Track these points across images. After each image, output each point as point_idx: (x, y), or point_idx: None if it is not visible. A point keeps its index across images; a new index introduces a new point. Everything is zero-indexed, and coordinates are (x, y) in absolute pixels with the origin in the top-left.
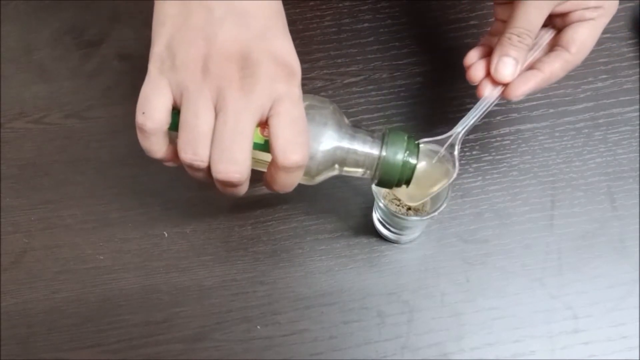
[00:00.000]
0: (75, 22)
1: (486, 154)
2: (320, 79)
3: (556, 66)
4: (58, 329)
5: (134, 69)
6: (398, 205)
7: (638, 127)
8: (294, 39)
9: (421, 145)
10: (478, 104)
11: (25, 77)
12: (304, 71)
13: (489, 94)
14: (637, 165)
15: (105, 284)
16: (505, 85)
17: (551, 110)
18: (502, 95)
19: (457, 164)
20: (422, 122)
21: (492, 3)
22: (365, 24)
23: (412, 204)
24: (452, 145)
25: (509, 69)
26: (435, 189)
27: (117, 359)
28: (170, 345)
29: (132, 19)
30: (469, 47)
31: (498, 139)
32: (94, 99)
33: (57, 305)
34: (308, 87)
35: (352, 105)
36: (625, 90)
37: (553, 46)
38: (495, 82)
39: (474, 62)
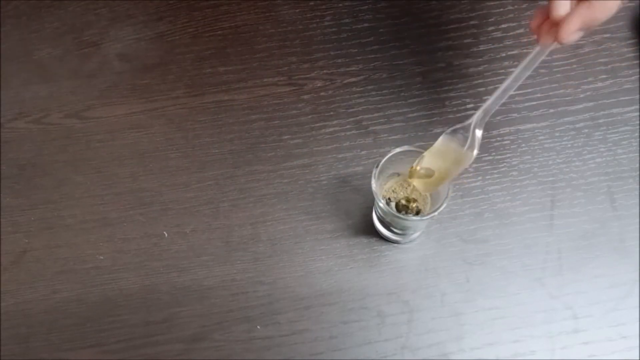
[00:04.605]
0: (75, 22)
1: (486, 154)
2: (320, 79)
3: None
4: (58, 329)
5: (134, 69)
6: (399, 209)
7: (638, 127)
8: (293, 39)
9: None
10: (523, 62)
11: (25, 77)
12: (304, 71)
13: (543, 41)
14: (637, 165)
15: (105, 284)
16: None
17: (551, 110)
18: (556, 40)
19: (476, 146)
20: (422, 123)
21: (492, 3)
22: (365, 24)
23: (425, 192)
24: (476, 126)
25: (561, 5)
26: (453, 173)
27: (117, 359)
28: (170, 345)
29: (132, 19)
30: (469, 47)
31: (498, 139)
32: (94, 99)
33: (57, 305)
34: (308, 87)
35: (352, 105)
36: (625, 90)
37: None
38: (551, 25)
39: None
